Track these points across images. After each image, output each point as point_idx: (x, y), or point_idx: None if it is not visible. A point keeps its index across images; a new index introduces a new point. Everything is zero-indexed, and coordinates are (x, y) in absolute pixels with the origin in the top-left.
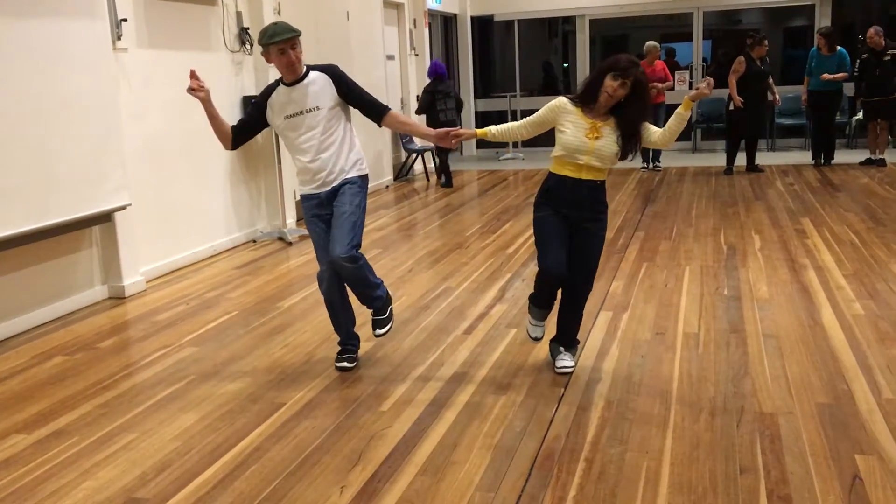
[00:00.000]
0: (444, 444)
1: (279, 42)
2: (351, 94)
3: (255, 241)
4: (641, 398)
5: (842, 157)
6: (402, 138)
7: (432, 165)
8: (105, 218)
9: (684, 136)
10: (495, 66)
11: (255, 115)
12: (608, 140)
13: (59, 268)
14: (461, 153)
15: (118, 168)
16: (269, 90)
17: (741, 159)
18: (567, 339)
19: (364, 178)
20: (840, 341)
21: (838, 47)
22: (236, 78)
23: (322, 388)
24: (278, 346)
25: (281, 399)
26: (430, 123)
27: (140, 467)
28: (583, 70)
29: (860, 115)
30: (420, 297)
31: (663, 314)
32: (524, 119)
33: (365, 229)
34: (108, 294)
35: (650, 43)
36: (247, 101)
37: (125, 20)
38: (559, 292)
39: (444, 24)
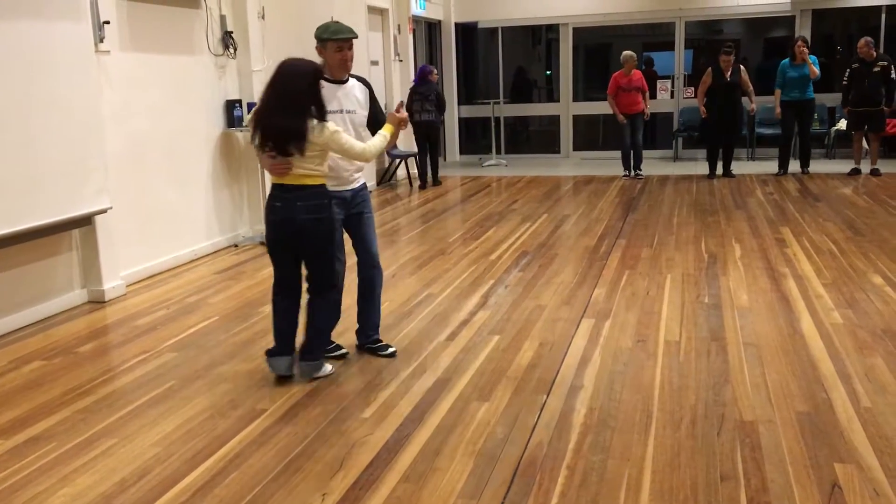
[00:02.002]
0: (426, 450)
1: (340, 39)
2: (373, 109)
3: (236, 246)
4: (623, 406)
5: (821, 167)
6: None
7: (415, 171)
8: (86, 221)
9: (665, 144)
10: (479, 72)
11: None
12: None
13: (38, 271)
14: (444, 159)
15: (99, 171)
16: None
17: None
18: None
19: None
20: (819, 350)
21: (810, 55)
22: (220, 82)
23: (304, 395)
24: (259, 351)
25: (262, 405)
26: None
27: (119, 474)
28: (566, 78)
29: (840, 124)
30: (403, 303)
31: (645, 322)
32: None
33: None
34: (88, 298)
35: (627, 53)
36: (230, 105)
37: (108, 23)
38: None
39: (429, 31)
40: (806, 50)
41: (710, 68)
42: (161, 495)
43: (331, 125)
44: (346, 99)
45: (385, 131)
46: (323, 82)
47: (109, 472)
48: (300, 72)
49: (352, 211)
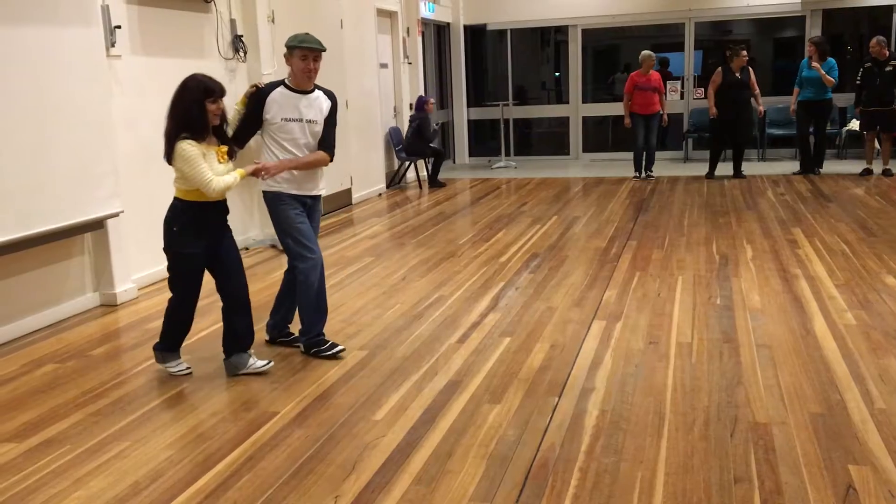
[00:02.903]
0: (438, 453)
1: (305, 48)
2: (329, 124)
3: (247, 249)
4: (635, 408)
5: (833, 167)
6: (395, 146)
7: (425, 173)
8: (97, 225)
9: (675, 145)
10: (488, 74)
11: (254, 115)
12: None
13: (50, 275)
14: (454, 161)
15: (111, 175)
16: (269, 89)
17: (727, 168)
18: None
19: None
20: (832, 351)
21: (829, 58)
22: (230, 85)
23: (315, 397)
24: (271, 354)
25: (274, 408)
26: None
27: (132, 476)
28: (575, 79)
29: (851, 125)
30: (413, 305)
31: (656, 323)
32: None
33: (357, 238)
34: (100, 301)
35: (645, 52)
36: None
37: (119, 27)
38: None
39: (438, 33)
40: (815, 56)
41: (719, 68)
42: (174, 498)
43: (187, 146)
44: (309, 108)
45: (237, 174)
46: (283, 90)
47: (123, 474)
48: (188, 86)
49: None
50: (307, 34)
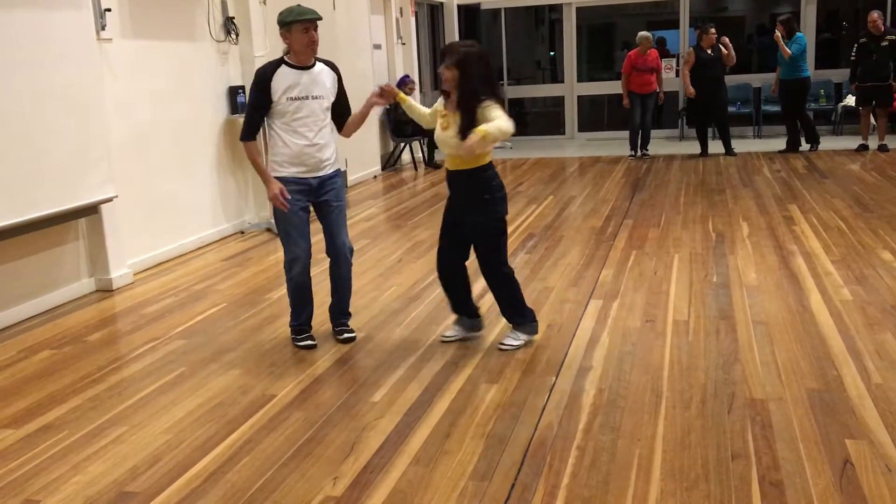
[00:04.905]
0: (436, 433)
1: (305, 21)
2: (341, 94)
3: (242, 233)
4: (632, 386)
5: (828, 143)
6: (390, 127)
7: (420, 154)
8: (91, 210)
9: (671, 124)
10: None
11: (263, 99)
12: (453, 129)
13: (45, 261)
14: None
15: (104, 160)
16: (272, 70)
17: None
18: (505, 315)
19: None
20: (829, 327)
21: (797, 34)
22: (222, 68)
23: (313, 380)
24: (268, 337)
25: (272, 391)
26: None
27: (131, 461)
28: (570, 58)
29: (847, 100)
30: (410, 287)
31: (653, 302)
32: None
33: (353, 220)
34: (96, 287)
35: (642, 33)
36: (233, 92)
37: (109, 10)
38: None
39: (431, 13)
40: (783, 35)
41: (691, 48)
42: (173, 481)
43: (498, 106)
44: (314, 84)
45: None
46: (285, 69)
47: (121, 459)
48: (485, 53)
49: (319, 199)
50: (300, 6)
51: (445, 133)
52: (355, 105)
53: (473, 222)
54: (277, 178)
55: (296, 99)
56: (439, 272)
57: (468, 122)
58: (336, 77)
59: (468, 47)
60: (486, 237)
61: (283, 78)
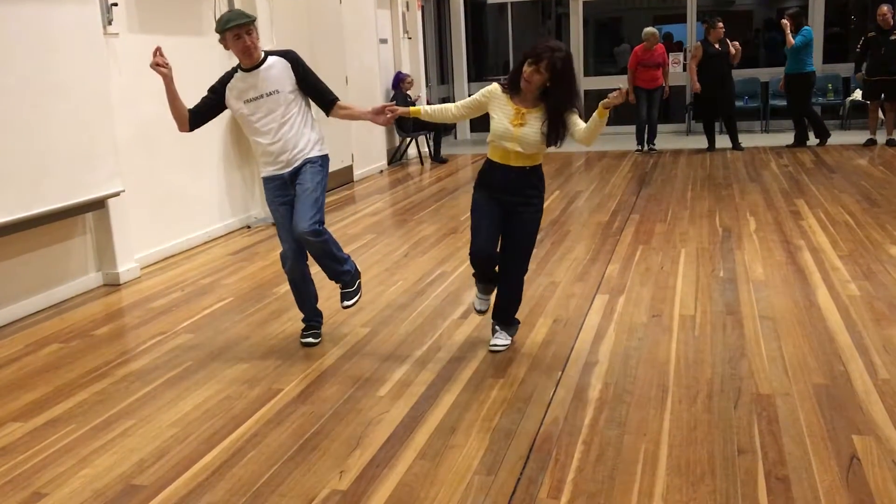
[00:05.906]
0: (442, 428)
1: (234, 28)
2: (306, 80)
3: (249, 227)
4: (639, 380)
5: (836, 137)
6: (395, 122)
7: (426, 149)
8: (98, 204)
9: (678, 118)
10: (488, 48)
11: (212, 99)
12: (533, 127)
13: (52, 255)
14: (455, 137)
15: (111, 154)
16: (228, 76)
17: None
18: (502, 316)
19: (324, 158)
20: (836, 322)
21: (805, 27)
22: (228, 62)
23: (319, 374)
24: (274, 331)
25: (278, 385)
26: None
27: (138, 454)
28: (576, 53)
29: (855, 95)
30: (415, 282)
31: (659, 297)
32: (459, 101)
33: (359, 215)
34: (103, 281)
35: (648, 29)
36: None
37: (115, 4)
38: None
39: (437, 7)
40: (791, 28)
41: (698, 42)
42: (180, 475)
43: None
44: (265, 81)
45: (597, 116)
46: (239, 74)
47: (128, 452)
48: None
49: (292, 191)
50: (230, 11)
51: (522, 130)
52: (352, 95)
53: (532, 217)
54: (263, 178)
55: (251, 100)
56: (482, 254)
57: (558, 129)
58: (289, 64)
59: (562, 53)
60: (535, 231)
61: (237, 83)
